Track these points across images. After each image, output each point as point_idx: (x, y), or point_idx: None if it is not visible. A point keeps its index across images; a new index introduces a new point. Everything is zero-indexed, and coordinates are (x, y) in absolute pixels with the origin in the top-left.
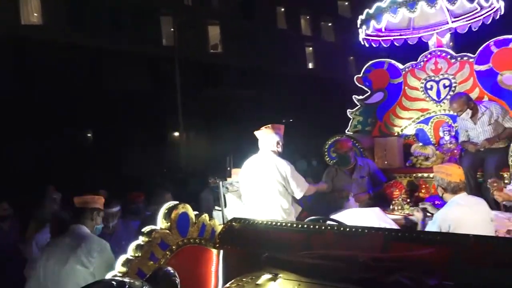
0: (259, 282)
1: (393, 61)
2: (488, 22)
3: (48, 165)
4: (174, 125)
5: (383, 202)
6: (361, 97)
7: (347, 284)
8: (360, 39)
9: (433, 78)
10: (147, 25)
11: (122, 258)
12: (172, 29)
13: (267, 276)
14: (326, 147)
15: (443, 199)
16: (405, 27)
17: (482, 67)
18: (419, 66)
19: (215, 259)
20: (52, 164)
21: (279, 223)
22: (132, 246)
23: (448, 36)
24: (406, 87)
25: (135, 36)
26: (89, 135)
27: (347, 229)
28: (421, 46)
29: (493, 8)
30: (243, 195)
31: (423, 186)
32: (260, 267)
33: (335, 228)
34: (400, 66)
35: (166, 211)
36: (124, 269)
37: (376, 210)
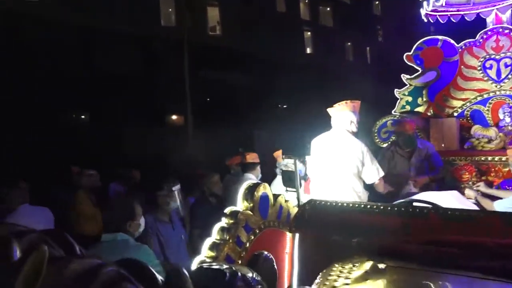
0: (365, 269)
1: (448, 38)
2: None
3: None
4: (172, 108)
5: (443, 186)
6: (411, 76)
7: (471, 271)
8: (423, 15)
9: (493, 56)
10: (144, 5)
11: (208, 241)
12: (170, 9)
13: (370, 263)
14: (377, 127)
15: None
16: (464, 2)
17: None
18: (478, 44)
19: (289, 243)
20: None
21: (368, 206)
22: (216, 228)
23: (509, 12)
24: (462, 66)
25: (131, 15)
26: (83, 117)
27: (457, 213)
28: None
29: None
30: (312, 176)
31: (493, 169)
32: (348, 253)
33: (440, 211)
34: (456, 44)
35: (247, 191)
36: (212, 254)
37: (455, 193)
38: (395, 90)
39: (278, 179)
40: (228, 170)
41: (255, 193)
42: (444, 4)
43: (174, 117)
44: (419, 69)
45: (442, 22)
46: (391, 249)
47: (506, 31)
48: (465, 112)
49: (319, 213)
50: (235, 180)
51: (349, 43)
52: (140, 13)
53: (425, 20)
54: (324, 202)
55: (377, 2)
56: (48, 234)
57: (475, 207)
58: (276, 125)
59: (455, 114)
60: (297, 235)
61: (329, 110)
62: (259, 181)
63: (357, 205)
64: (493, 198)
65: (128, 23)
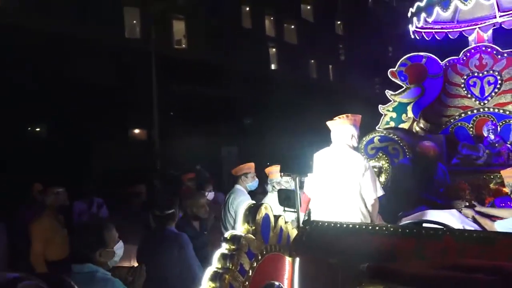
0: None
1: (432, 55)
2: None
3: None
4: (138, 120)
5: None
6: (394, 92)
7: None
8: (411, 31)
9: (476, 74)
10: (108, 16)
11: (209, 271)
12: (134, 21)
13: None
14: (363, 144)
15: None
16: (449, 20)
17: None
18: (462, 62)
19: (289, 269)
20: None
21: (377, 227)
22: (217, 256)
23: (490, 32)
24: (446, 83)
25: (94, 25)
26: (42, 129)
27: (474, 235)
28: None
29: None
30: (312, 194)
31: (486, 187)
32: (356, 279)
33: (456, 233)
34: (439, 61)
35: (248, 212)
36: (214, 285)
37: (454, 212)
38: (379, 106)
39: (270, 197)
40: None
41: (257, 215)
42: (430, 22)
43: (138, 130)
44: (402, 85)
45: (427, 39)
46: (405, 274)
47: (489, 49)
48: (450, 129)
49: (321, 235)
50: None
51: (312, 61)
52: (104, 24)
53: (412, 37)
54: (326, 224)
55: (339, 22)
56: (45, 280)
57: (477, 227)
58: (243, 139)
59: (440, 130)
60: (297, 259)
61: (329, 123)
62: (256, 202)
63: (364, 227)
64: (489, 216)
65: (92, 33)
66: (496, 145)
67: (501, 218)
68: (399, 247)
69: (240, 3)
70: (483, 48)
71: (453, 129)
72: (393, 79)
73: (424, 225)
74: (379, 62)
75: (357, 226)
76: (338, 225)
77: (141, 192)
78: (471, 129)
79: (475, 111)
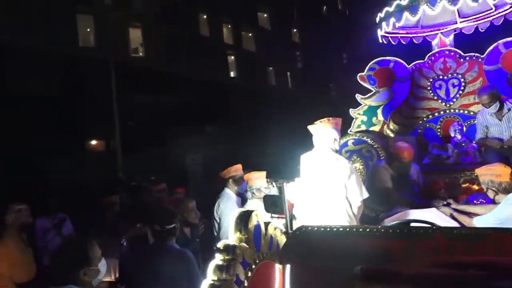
0: None
1: (399, 60)
2: (499, 23)
3: None
4: (96, 131)
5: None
6: (364, 96)
7: None
8: (379, 36)
9: (441, 77)
10: (61, 23)
11: (205, 284)
12: (88, 29)
13: None
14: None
15: (494, 201)
16: (413, 25)
17: (491, 67)
18: (427, 65)
19: (279, 276)
20: None
21: (368, 229)
22: (212, 267)
23: (451, 37)
24: (413, 86)
25: (47, 33)
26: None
27: (463, 232)
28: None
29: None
30: (296, 200)
31: (458, 185)
32: (349, 282)
33: (446, 230)
34: (406, 64)
35: (239, 220)
36: None
37: (434, 210)
38: (350, 109)
39: (250, 204)
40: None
41: (249, 222)
42: (397, 27)
43: (95, 141)
44: (372, 89)
45: (393, 43)
46: (399, 274)
47: (452, 53)
48: (419, 130)
49: (312, 240)
50: None
51: (270, 68)
52: (56, 32)
53: (380, 41)
54: (316, 228)
55: (295, 30)
56: None
57: (456, 224)
58: (206, 147)
59: (409, 132)
60: (288, 266)
61: (310, 127)
62: (250, 209)
63: (354, 229)
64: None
65: (44, 42)
66: (463, 144)
67: (477, 215)
68: (392, 248)
69: (197, 11)
70: (447, 52)
71: (422, 130)
72: (362, 83)
73: (412, 224)
74: (334, 68)
75: (348, 229)
76: (328, 229)
77: (115, 203)
78: (439, 130)
79: (441, 112)
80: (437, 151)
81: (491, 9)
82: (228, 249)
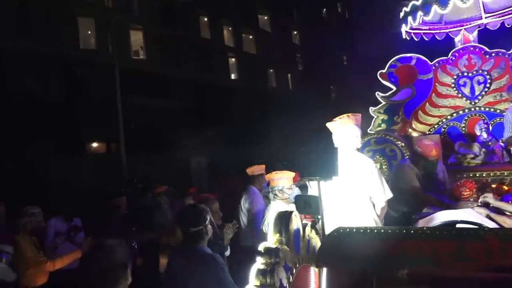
0: None
1: (421, 56)
2: None
3: None
4: (93, 135)
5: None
6: (385, 94)
7: None
8: (403, 32)
9: (466, 74)
10: (62, 26)
11: None
12: (89, 32)
13: None
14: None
15: None
16: (437, 21)
17: None
18: (451, 62)
19: (315, 280)
20: None
21: (412, 231)
22: (254, 272)
23: (475, 33)
24: (436, 83)
25: (47, 36)
26: None
27: None
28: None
29: None
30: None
31: (491, 185)
32: (394, 286)
33: (500, 233)
34: (429, 61)
35: (279, 221)
36: None
37: (470, 211)
38: (370, 108)
39: (274, 206)
40: None
41: (290, 224)
42: (421, 22)
43: (96, 144)
44: (392, 87)
45: (416, 39)
46: (450, 278)
47: (477, 49)
48: (442, 129)
49: (350, 242)
50: None
51: (271, 70)
52: (57, 34)
53: (405, 37)
54: (355, 230)
55: (295, 32)
56: None
57: (495, 225)
58: (211, 149)
59: (432, 131)
60: (324, 270)
61: (329, 124)
62: (289, 210)
63: (397, 231)
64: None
65: (45, 44)
66: (490, 143)
67: None
68: (440, 250)
69: (198, 14)
70: (471, 48)
71: (446, 129)
72: (383, 81)
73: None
74: (335, 70)
75: (389, 231)
76: (368, 230)
77: (121, 205)
78: (464, 128)
79: (466, 110)
80: (464, 150)
81: None
82: (270, 252)
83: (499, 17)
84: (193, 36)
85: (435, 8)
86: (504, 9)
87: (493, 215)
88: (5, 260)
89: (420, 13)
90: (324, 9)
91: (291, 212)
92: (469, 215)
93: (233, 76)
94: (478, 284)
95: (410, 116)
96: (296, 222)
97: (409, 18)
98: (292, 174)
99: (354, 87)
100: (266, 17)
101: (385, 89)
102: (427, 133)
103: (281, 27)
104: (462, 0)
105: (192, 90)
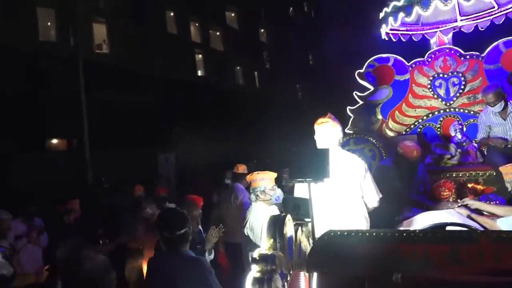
0: None
1: (399, 57)
2: (500, 22)
3: None
4: (55, 130)
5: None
6: (363, 94)
7: None
8: (383, 33)
9: (441, 75)
10: (20, 16)
11: None
12: (49, 23)
13: None
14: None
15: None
16: (414, 22)
17: (492, 66)
18: (427, 63)
19: (305, 285)
20: None
21: (404, 233)
22: (250, 281)
23: (450, 35)
24: (413, 84)
25: (4, 27)
26: None
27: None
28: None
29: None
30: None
31: (468, 185)
32: None
33: (493, 235)
34: (406, 62)
35: (273, 225)
36: None
37: (452, 212)
38: (348, 107)
39: (256, 207)
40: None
41: (284, 228)
42: (400, 24)
43: (56, 140)
44: (370, 86)
45: (394, 40)
46: (444, 281)
47: (452, 51)
48: (418, 130)
49: (341, 246)
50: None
51: (238, 67)
52: (15, 25)
53: (384, 38)
54: (346, 233)
55: (262, 30)
56: None
57: (478, 226)
58: (178, 146)
59: (408, 131)
60: (314, 275)
61: (318, 127)
62: (279, 213)
63: (390, 234)
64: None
65: (1, 35)
66: (464, 144)
67: (495, 215)
68: (433, 253)
69: (165, 8)
70: (447, 50)
71: (422, 129)
72: (360, 81)
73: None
74: (300, 69)
75: (382, 234)
76: (360, 233)
77: (75, 209)
78: (439, 129)
79: (441, 111)
80: (440, 150)
81: (494, 7)
82: (266, 259)
83: (473, 20)
84: (159, 31)
85: (416, 10)
86: (478, 13)
87: (474, 215)
88: (2, 254)
89: (401, 14)
90: (291, 8)
91: (284, 216)
92: (453, 216)
93: (200, 73)
94: (474, 287)
95: (387, 116)
96: (290, 226)
97: (390, 19)
98: (274, 174)
99: (320, 86)
100: (233, 14)
101: (361, 88)
102: (403, 133)
103: (248, 25)
104: (443, 2)
105: (157, 86)
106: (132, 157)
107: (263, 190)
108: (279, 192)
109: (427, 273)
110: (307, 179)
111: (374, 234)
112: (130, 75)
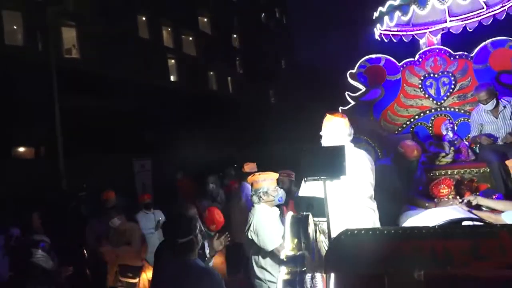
0: None
1: (390, 57)
2: (488, 23)
3: None
4: (24, 137)
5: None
6: (355, 94)
7: None
8: (377, 34)
9: (432, 75)
10: None
11: None
12: (15, 27)
13: None
14: None
15: None
16: (405, 23)
17: (480, 66)
18: (418, 63)
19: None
20: None
21: (424, 230)
22: (281, 283)
23: (439, 36)
24: (404, 84)
25: None
26: None
27: None
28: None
29: (503, 6)
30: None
31: (465, 182)
32: None
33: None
34: (397, 62)
35: (296, 225)
36: None
37: (457, 208)
38: (340, 107)
39: (259, 209)
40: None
41: (308, 227)
42: (392, 25)
43: (27, 148)
44: (363, 87)
45: (385, 40)
46: (468, 277)
47: (442, 51)
48: (410, 129)
49: (359, 245)
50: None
51: (211, 72)
52: None
53: (378, 39)
54: (364, 231)
55: (235, 36)
56: None
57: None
58: (154, 152)
59: (401, 130)
60: (332, 276)
61: (329, 121)
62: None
63: (408, 231)
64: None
65: None
66: (455, 142)
67: (496, 211)
68: (454, 249)
69: (136, 12)
70: (437, 50)
71: (414, 128)
72: (352, 81)
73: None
74: (273, 74)
75: (400, 231)
76: (378, 231)
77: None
78: (431, 128)
79: (432, 110)
80: (435, 148)
81: (482, 8)
82: (295, 260)
83: (462, 21)
84: (131, 36)
85: (413, 8)
86: (467, 14)
87: (475, 211)
88: (44, 248)
89: (398, 13)
90: (263, 14)
91: (307, 216)
92: (459, 212)
93: (172, 78)
94: (495, 283)
95: (379, 116)
96: (312, 226)
97: (386, 18)
98: (276, 175)
99: (293, 91)
100: (206, 19)
101: (354, 89)
102: (396, 132)
103: (221, 30)
104: (440, 1)
105: (130, 91)
106: (106, 163)
107: (266, 191)
108: (281, 193)
109: (449, 270)
110: (322, 177)
111: (393, 231)
112: (101, 80)
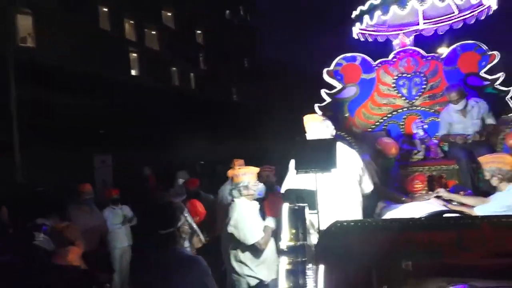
0: None
1: (365, 56)
2: (458, 27)
3: None
4: None
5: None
6: (330, 91)
7: None
8: (355, 32)
9: (405, 75)
10: None
11: None
12: None
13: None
14: None
15: (498, 189)
16: (381, 23)
17: (450, 68)
18: (392, 63)
19: (313, 277)
20: None
21: (411, 222)
22: (284, 273)
23: (412, 37)
24: (379, 83)
25: None
26: None
27: (510, 220)
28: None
29: (472, 12)
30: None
31: (436, 178)
32: (397, 279)
33: (493, 220)
34: (372, 61)
35: (294, 216)
36: None
37: (433, 201)
38: (316, 105)
39: (240, 203)
40: None
41: (306, 217)
42: (372, 25)
43: None
44: (339, 85)
45: (362, 40)
46: (454, 267)
47: (415, 52)
48: (383, 127)
49: (349, 237)
50: None
51: (174, 68)
52: None
53: (356, 37)
54: (353, 223)
55: (199, 32)
56: None
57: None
58: (115, 148)
59: (374, 128)
60: (321, 267)
61: (311, 124)
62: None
63: (395, 223)
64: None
65: None
66: (425, 140)
67: (465, 205)
68: (440, 241)
69: (97, 3)
70: (410, 51)
71: (386, 126)
72: (328, 79)
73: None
74: (236, 71)
75: (388, 223)
76: (366, 223)
77: None
78: (402, 126)
79: (405, 109)
80: (408, 146)
81: (453, 12)
82: (296, 250)
83: (434, 24)
84: (91, 27)
85: (394, 9)
86: (440, 17)
87: (449, 205)
88: (46, 231)
89: (378, 12)
90: (227, 11)
91: (304, 207)
92: (435, 206)
93: (134, 72)
94: (480, 272)
95: (354, 113)
96: (307, 217)
97: (366, 17)
98: (257, 169)
99: (255, 90)
100: (170, 14)
101: (329, 87)
102: (369, 130)
103: (185, 25)
104: (419, 1)
105: (89, 84)
106: (64, 157)
107: (246, 185)
108: (261, 187)
109: (436, 260)
110: (313, 170)
111: (381, 223)
112: (57, 71)
